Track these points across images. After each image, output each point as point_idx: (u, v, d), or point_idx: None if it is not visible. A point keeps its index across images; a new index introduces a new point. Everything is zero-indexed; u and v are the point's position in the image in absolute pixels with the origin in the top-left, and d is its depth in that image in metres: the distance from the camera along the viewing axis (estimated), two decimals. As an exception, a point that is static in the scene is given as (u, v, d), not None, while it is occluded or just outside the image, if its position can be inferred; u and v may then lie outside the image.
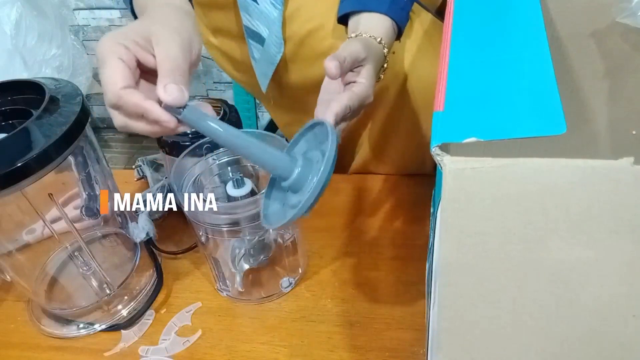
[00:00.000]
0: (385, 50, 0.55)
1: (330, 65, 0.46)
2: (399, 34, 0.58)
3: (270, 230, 0.60)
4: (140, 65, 0.42)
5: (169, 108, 0.40)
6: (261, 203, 0.48)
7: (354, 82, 0.51)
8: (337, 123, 0.47)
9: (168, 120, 0.40)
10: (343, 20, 0.60)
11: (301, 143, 0.47)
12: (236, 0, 0.65)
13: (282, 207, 0.46)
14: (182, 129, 0.42)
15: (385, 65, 0.55)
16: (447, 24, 0.35)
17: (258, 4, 0.64)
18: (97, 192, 0.60)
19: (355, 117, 0.52)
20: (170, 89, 0.40)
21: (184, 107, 0.40)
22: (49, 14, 1.51)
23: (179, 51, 0.42)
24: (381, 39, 0.54)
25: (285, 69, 0.71)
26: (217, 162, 0.60)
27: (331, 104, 0.46)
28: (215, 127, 0.41)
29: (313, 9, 0.65)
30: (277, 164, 0.43)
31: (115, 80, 0.40)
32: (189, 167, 0.58)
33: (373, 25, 0.55)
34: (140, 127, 0.42)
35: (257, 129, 1.22)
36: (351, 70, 0.51)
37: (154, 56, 0.42)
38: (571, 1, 0.42)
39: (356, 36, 0.54)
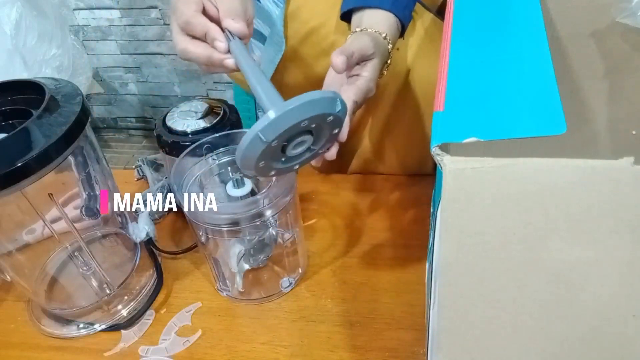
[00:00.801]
0: (390, 46, 0.55)
1: (338, 60, 0.47)
2: (402, 31, 0.59)
3: (270, 230, 0.60)
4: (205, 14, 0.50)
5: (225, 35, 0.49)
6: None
7: (357, 75, 0.51)
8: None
9: (223, 40, 0.48)
10: (346, 16, 0.60)
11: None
12: None
13: None
14: (228, 62, 0.49)
15: (389, 62, 0.56)
16: (447, 24, 0.35)
17: (260, 2, 0.64)
18: (97, 192, 0.60)
19: (357, 110, 0.53)
20: (233, 21, 0.49)
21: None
22: (49, 14, 1.51)
23: (239, 6, 0.50)
24: (386, 35, 0.54)
25: (286, 68, 0.71)
26: (217, 162, 0.60)
27: None
28: (247, 68, 0.47)
29: (314, 8, 0.65)
30: (266, 99, 0.43)
31: (190, 5, 0.49)
32: (189, 167, 0.58)
33: (377, 21, 0.56)
34: (198, 49, 0.49)
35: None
36: (357, 63, 0.51)
37: (217, 9, 0.50)
38: (571, 1, 0.42)
39: (361, 30, 0.55)
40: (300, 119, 0.39)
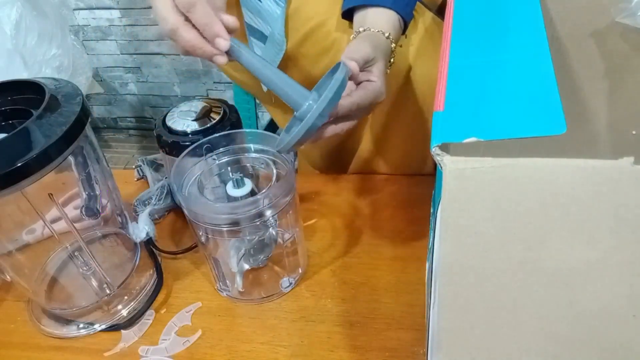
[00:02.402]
0: (393, 45, 0.55)
1: (352, 64, 0.49)
2: (404, 29, 0.59)
3: (270, 230, 0.60)
4: None
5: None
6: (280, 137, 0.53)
7: (366, 80, 0.51)
8: (341, 116, 0.50)
9: (227, 38, 0.47)
10: (347, 15, 0.60)
11: (321, 83, 0.51)
12: None
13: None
14: (220, 59, 0.49)
15: (392, 60, 0.56)
16: (447, 24, 0.35)
17: (261, 1, 0.64)
18: (97, 192, 0.60)
19: (365, 115, 0.53)
20: (230, 18, 0.48)
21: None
22: (49, 14, 1.51)
23: None
24: (389, 34, 0.55)
25: (287, 67, 0.71)
26: (217, 162, 0.60)
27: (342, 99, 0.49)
28: (251, 59, 0.49)
29: (315, 7, 0.65)
30: (290, 94, 0.49)
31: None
32: (189, 167, 0.58)
33: (380, 20, 0.56)
34: (189, 36, 0.47)
35: (257, 128, 1.22)
36: (361, 70, 0.52)
37: None
38: (571, 1, 0.42)
39: (364, 30, 0.55)
40: (342, 91, 0.47)
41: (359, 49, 0.51)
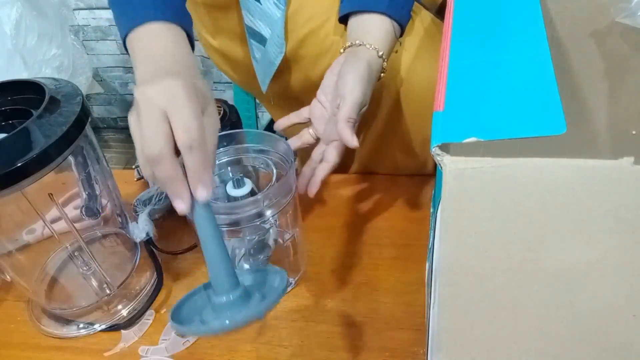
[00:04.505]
0: (385, 64, 0.56)
1: (354, 139, 0.51)
2: (401, 32, 0.59)
3: (270, 230, 0.60)
4: None
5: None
6: (185, 296, 0.46)
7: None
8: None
9: (187, 200, 0.41)
10: (344, 20, 0.60)
11: (258, 275, 0.48)
12: (239, 0, 0.65)
13: (195, 315, 0.45)
14: (181, 207, 0.42)
15: (382, 75, 0.57)
16: (447, 24, 0.35)
17: (261, 4, 0.64)
18: (97, 192, 0.60)
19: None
20: (202, 186, 0.40)
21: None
22: (49, 14, 1.51)
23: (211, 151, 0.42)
24: (382, 54, 0.55)
25: (286, 69, 0.71)
26: (217, 162, 0.60)
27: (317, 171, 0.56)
28: (206, 231, 0.42)
29: (315, 8, 0.66)
30: (219, 278, 0.43)
31: (160, 136, 0.39)
32: (189, 167, 0.58)
33: (373, 32, 0.56)
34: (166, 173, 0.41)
35: (257, 128, 1.22)
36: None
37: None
38: (571, 1, 0.42)
39: (359, 44, 0.55)
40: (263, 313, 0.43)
41: (353, 98, 0.52)
